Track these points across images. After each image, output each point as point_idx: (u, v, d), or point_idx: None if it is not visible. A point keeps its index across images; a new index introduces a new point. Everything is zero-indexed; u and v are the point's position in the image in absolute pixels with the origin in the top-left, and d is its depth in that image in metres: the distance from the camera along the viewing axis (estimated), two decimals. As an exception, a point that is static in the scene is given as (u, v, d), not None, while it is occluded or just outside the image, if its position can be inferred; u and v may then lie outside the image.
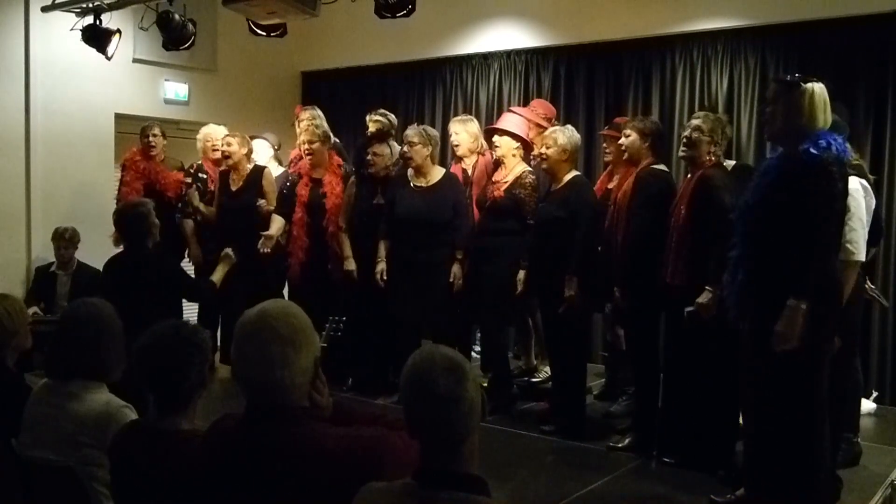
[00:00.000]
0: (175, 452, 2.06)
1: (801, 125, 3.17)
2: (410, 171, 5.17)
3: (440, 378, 1.64)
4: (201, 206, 5.98)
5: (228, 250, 4.77)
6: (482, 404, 1.69)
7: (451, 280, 4.98)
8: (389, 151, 5.37)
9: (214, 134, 6.17)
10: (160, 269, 4.25)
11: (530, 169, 4.97)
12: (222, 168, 5.93)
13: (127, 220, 4.43)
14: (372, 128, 5.51)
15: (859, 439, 4.23)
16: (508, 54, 7.15)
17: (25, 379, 2.96)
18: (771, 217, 3.17)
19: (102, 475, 2.33)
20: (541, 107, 5.60)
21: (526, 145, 5.04)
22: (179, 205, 5.97)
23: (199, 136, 6.29)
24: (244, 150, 5.84)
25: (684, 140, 3.98)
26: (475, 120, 5.62)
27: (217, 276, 4.47)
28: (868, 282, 4.33)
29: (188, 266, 6.15)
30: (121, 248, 4.62)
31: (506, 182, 4.90)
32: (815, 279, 3.07)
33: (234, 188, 5.85)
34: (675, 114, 6.34)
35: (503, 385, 5.01)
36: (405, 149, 5.12)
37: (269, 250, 5.48)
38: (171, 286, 4.29)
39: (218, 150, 6.06)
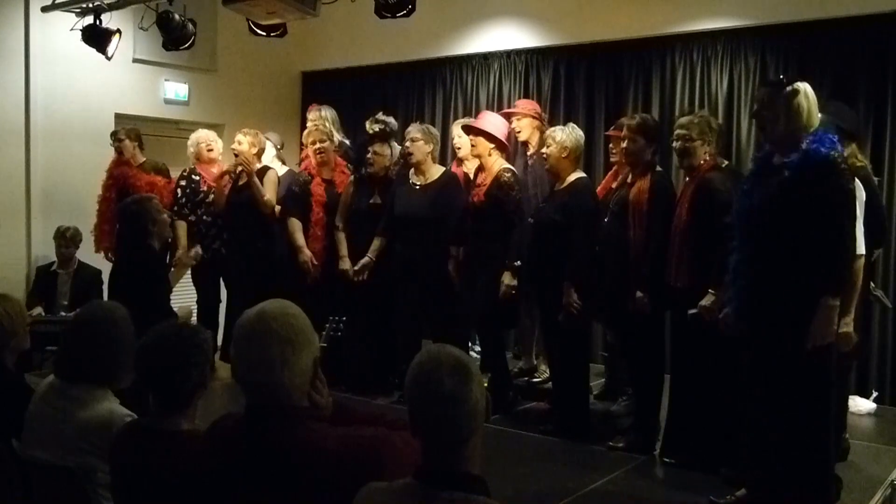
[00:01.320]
0: (175, 453, 2.06)
1: (802, 125, 3.21)
2: (411, 171, 5.18)
3: (446, 377, 1.64)
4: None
5: (197, 249, 4.77)
6: (486, 406, 1.69)
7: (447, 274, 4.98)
8: (390, 152, 5.38)
9: (207, 135, 6.16)
10: (142, 272, 4.21)
11: (507, 166, 4.95)
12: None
13: (120, 220, 4.40)
14: (371, 131, 5.53)
15: (847, 436, 4.24)
16: (508, 54, 7.15)
17: (25, 379, 2.97)
18: (785, 218, 3.17)
19: (102, 477, 2.33)
20: (527, 103, 5.67)
21: (501, 146, 5.01)
22: (175, 207, 5.95)
23: (189, 143, 6.25)
24: (254, 150, 5.83)
25: (677, 150, 4.02)
26: None
27: (174, 278, 4.42)
28: (871, 283, 4.33)
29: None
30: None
31: (485, 185, 4.89)
32: (844, 276, 3.13)
33: (240, 183, 5.84)
34: (675, 114, 6.31)
35: (501, 387, 5.00)
36: (406, 145, 5.13)
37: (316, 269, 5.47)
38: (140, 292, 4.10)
39: (213, 149, 6.06)
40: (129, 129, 6.19)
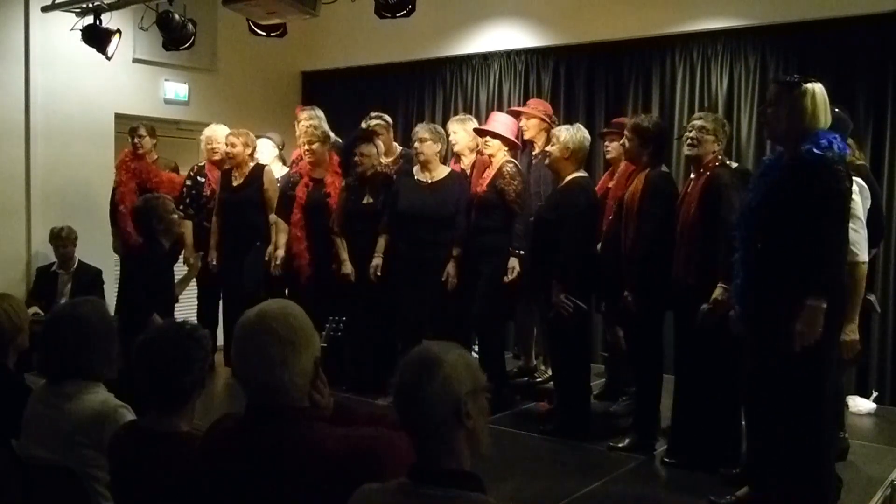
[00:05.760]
0: (174, 454, 2.06)
1: (804, 126, 3.19)
2: (416, 168, 5.18)
3: (406, 373, 1.66)
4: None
5: (199, 255, 4.88)
6: (460, 407, 1.64)
7: (443, 279, 4.98)
8: (376, 151, 5.39)
9: (215, 136, 6.12)
10: (148, 269, 4.25)
11: (510, 159, 5.00)
12: (226, 165, 5.92)
13: (134, 218, 4.50)
14: (366, 125, 5.58)
15: (846, 435, 4.23)
16: (508, 54, 7.15)
17: (25, 379, 2.97)
18: (774, 218, 3.18)
19: (102, 476, 2.33)
20: (539, 104, 5.68)
21: (514, 146, 5.09)
22: (180, 206, 5.95)
23: (201, 138, 6.26)
24: (248, 150, 5.83)
25: (689, 140, 3.97)
26: (473, 119, 5.64)
27: (180, 286, 4.64)
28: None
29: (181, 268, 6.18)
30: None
31: (489, 178, 4.92)
32: (829, 277, 3.09)
33: (234, 184, 5.85)
34: (675, 114, 6.34)
35: (499, 386, 4.99)
36: (416, 145, 5.16)
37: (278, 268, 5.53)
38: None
39: (217, 151, 6.03)
40: (148, 126, 6.19)
